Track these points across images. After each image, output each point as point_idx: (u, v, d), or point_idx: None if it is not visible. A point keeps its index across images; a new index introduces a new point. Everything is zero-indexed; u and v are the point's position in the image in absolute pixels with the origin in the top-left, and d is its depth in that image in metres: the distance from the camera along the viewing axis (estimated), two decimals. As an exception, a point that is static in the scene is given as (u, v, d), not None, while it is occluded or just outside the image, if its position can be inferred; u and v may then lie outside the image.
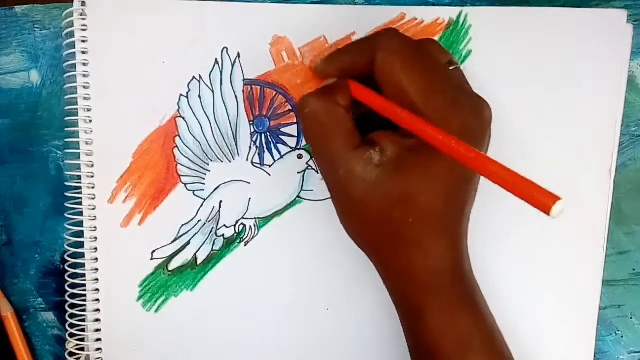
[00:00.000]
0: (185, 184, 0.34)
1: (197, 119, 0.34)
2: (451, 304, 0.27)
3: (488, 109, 0.28)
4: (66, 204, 0.34)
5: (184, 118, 0.34)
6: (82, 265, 0.34)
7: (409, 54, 0.27)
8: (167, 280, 0.34)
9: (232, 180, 0.34)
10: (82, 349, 0.35)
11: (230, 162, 0.34)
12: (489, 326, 0.28)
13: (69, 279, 0.34)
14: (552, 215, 0.20)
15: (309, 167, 0.34)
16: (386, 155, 0.26)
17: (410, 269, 0.27)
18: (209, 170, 0.34)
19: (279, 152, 0.34)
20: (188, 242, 0.34)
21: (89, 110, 0.33)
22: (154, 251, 0.34)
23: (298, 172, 0.34)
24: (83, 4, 0.33)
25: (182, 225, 0.34)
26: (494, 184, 0.22)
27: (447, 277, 0.27)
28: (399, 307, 0.29)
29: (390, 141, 0.27)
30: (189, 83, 0.33)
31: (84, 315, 0.34)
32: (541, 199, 0.20)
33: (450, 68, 0.29)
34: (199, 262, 0.34)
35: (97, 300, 0.34)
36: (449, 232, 0.27)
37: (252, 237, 0.34)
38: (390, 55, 0.26)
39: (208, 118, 0.34)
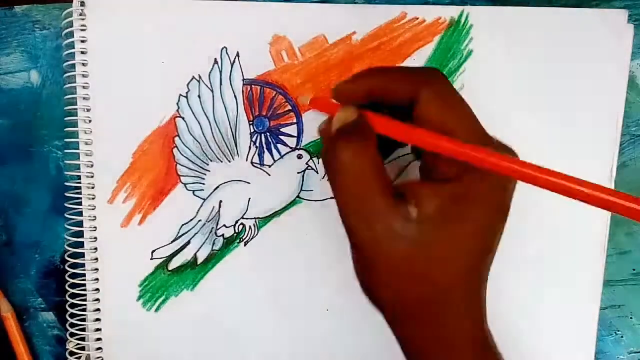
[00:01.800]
0: (185, 184, 0.34)
1: (196, 119, 0.34)
2: None
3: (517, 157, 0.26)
4: (66, 204, 0.34)
5: (183, 118, 0.34)
6: (82, 265, 0.34)
7: (457, 97, 0.25)
8: (167, 280, 0.34)
9: (231, 180, 0.34)
10: (82, 349, 0.35)
11: (229, 162, 0.34)
12: None
13: (69, 279, 0.34)
14: None
15: (309, 167, 0.34)
16: (426, 209, 0.24)
17: (444, 340, 0.25)
18: (209, 170, 0.34)
19: (279, 152, 0.34)
20: (188, 242, 0.34)
21: (88, 110, 0.33)
22: (153, 251, 0.34)
23: (298, 172, 0.34)
24: (82, 4, 0.33)
25: (182, 225, 0.34)
26: (586, 203, 0.20)
27: (479, 341, 0.25)
28: None
29: (429, 191, 0.24)
30: (189, 83, 0.33)
31: (84, 315, 0.34)
32: (633, 207, 0.19)
33: None
34: (198, 262, 0.34)
35: (97, 300, 0.34)
36: (482, 290, 0.26)
37: (252, 237, 0.34)
38: (440, 94, 0.25)
39: (207, 118, 0.34)
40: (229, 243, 0.34)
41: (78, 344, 0.34)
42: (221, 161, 0.34)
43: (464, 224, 0.24)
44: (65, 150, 0.34)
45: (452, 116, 0.24)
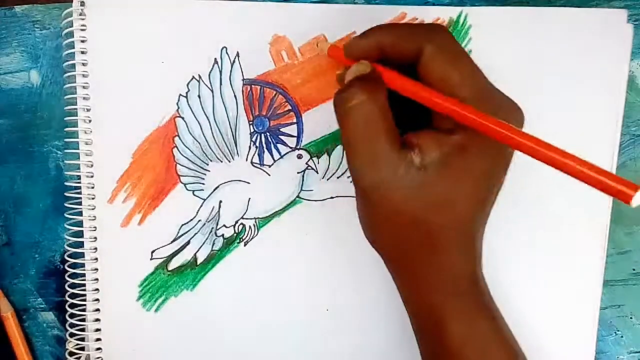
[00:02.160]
0: (185, 184, 0.34)
1: (196, 119, 0.34)
2: (471, 310, 0.27)
3: (523, 115, 0.27)
4: (66, 204, 0.34)
5: (183, 118, 0.34)
6: (82, 265, 0.34)
7: (460, 52, 0.26)
8: (167, 280, 0.34)
9: (231, 180, 0.34)
10: (82, 349, 0.35)
11: (229, 162, 0.34)
12: (506, 331, 0.28)
13: (69, 279, 0.34)
14: (634, 204, 0.19)
15: (309, 167, 0.34)
16: (429, 157, 0.25)
17: (435, 275, 0.26)
18: (209, 170, 0.34)
19: (279, 152, 0.34)
20: (188, 242, 0.34)
21: (88, 110, 0.33)
22: (153, 251, 0.34)
23: (298, 172, 0.34)
24: (82, 4, 0.33)
25: (182, 225, 0.34)
26: (564, 173, 0.21)
27: (467, 282, 0.27)
28: (416, 316, 0.29)
29: (432, 141, 0.25)
30: (189, 83, 0.33)
31: (84, 315, 0.34)
32: (621, 188, 0.19)
33: None
34: (198, 262, 0.34)
35: (97, 300, 0.34)
36: (475, 238, 0.27)
37: (252, 237, 0.34)
38: (443, 48, 0.25)
39: (207, 118, 0.34)
40: (229, 243, 0.34)
41: (78, 344, 0.34)
42: (221, 161, 0.34)
43: (464, 174, 0.25)
44: (65, 150, 0.34)
45: (455, 70, 0.25)
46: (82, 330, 0.34)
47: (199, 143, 0.34)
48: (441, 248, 0.26)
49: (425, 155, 0.25)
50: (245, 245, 0.34)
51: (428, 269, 0.27)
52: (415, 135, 0.26)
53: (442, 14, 0.33)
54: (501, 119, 0.23)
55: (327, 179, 0.34)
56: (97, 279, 0.34)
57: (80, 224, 0.34)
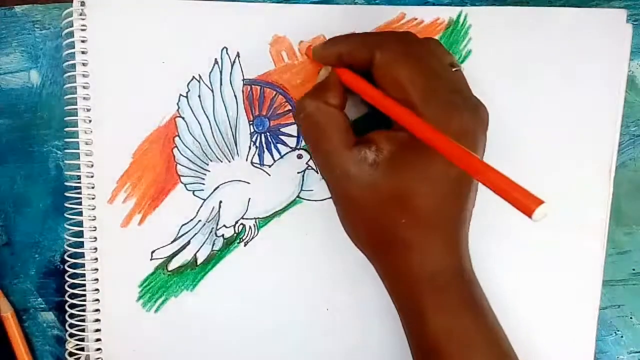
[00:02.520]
0: (185, 184, 0.34)
1: (196, 119, 0.34)
2: (452, 305, 0.27)
3: (486, 113, 0.28)
4: (66, 204, 0.34)
5: (183, 118, 0.34)
6: (82, 265, 0.34)
7: (410, 54, 0.27)
8: (167, 280, 0.34)
9: (231, 181, 0.34)
10: (82, 349, 0.35)
11: (230, 162, 0.34)
12: (493, 327, 0.28)
13: (69, 279, 0.34)
14: (535, 219, 0.19)
15: (309, 167, 0.34)
16: (382, 154, 0.26)
17: (408, 271, 0.27)
18: (209, 171, 0.34)
19: (279, 152, 0.34)
20: (188, 243, 0.34)
21: (88, 110, 0.33)
22: (153, 251, 0.34)
23: (298, 172, 0.34)
24: (82, 4, 0.33)
25: (182, 225, 0.34)
26: (481, 184, 0.22)
27: (445, 278, 0.27)
28: (400, 310, 0.29)
29: (385, 138, 0.27)
30: (189, 83, 0.33)
31: (84, 315, 0.34)
32: (524, 202, 0.20)
33: (453, 70, 0.29)
34: (198, 262, 0.34)
35: (97, 300, 0.34)
36: (445, 233, 0.27)
37: (252, 237, 0.34)
38: (390, 54, 0.27)
39: (208, 118, 0.34)
40: (229, 243, 0.34)
41: (78, 344, 0.34)
42: (221, 161, 0.34)
43: (417, 169, 0.26)
44: (65, 150, 0.34)
45: (400, 74, 0.26)
46: (82, 330, 0.34)
47: (199, 143, 0.34)
48: (404, 242, 0.27)
49: (378, 152, 0.26)
50: (245, 245, 0.34)
51: (398, 263, 0.27)
52: (372, 133, 0.27)
53: (442, 14, 0.33)
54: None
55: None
56: (97, 279, 0.34)
57: (80, 224, 0.34)
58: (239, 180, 0.34)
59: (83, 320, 0.34)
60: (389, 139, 0.26)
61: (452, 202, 0.27)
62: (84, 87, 0.33)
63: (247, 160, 0.34)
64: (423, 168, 0.26)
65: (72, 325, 0.34)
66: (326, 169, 0.28)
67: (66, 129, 0.34)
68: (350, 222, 0.29)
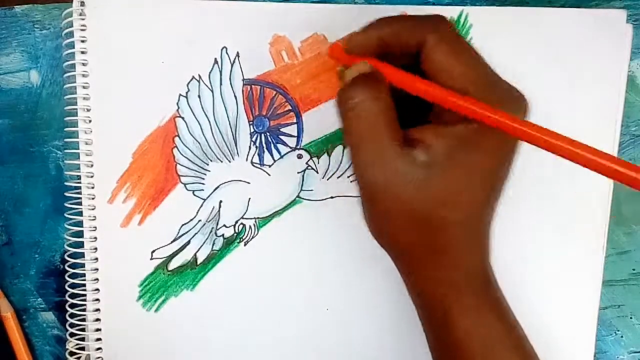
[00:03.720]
0: (185, 184, 0.34)
1: (196, 119, 0.34)
2: (479, 306, 0.26)
3: (528, 104, 0.27)
4: (66, 204, 0.34)
5: (183, 118, 0.34)
6: (82, 265, 0.34)
7: (462, 42, 0.25)
8: (167, 280, 0.34)
9: (231, 180, 0.34)
10: (82, 349, 0.35)
11: (230, 162, 0.34)
12: (516, 328, 0.28)
13: (69, 279, 0.34)
14: None
15: (309, 167, 0.34)
16: (433, 152, 0.25)
17: (443, 272, 0.26)
18: (209, 170, 0.34)
19: (279, 152, 0.34)
20: (188, 242, 0.34)
21: (88, 110, 0.33)
22: (153, 251, 0.34)
23: (298, 172, 0.34)
24: (82, 4, 0.33)
25: (182, 225, 0.34)
26: (575, 163, 0.21)
27: (477, 280, 0.27)
28: (424, 310, 0.28)
29: (435, 134, 0.25)
30: (189, 83, 0.33)
31: (84, 315, 0.34)
32: (636, 176, 0.19)
33: None
34: (198, 262, 0.34)
35: (97, 300, 0.34)
36: (483, 234, 0.27)
37: (252, 237, 0.34)
38: (445, 40, 0.25)
39: (207, 118, 0.34)
40: (229, 243, 0.34)
41: (78, 344, 0.34)
42: (221, 161, 0.34)
43: (467, 168, 0.25)
44: (65, 150, 0.34)
45: (457, 60, 0.25)
46: (82, 330, 0.34)
47: (199, 143, 0.34)
48: (448, 245, 0.26)
49: (429, 150, 0.25)
50: (245, 245, 0.34)
51: (435, 266, 0.26)
52: (417, 130, 0.25)
53: (442, 14, 0.33)
54: (506, 109, 0.23)
55: (327, 179, 0.34)
56: (97, 279, 0.34)
57: (80, 224, 0.34)
58: (239, 180, 0.34)
59: (83, 320, 0.34)
60: (440, 134, 0.25)
61: (494, 199, 0.27)
62: (83, 87, 0.33)
63: (247, 160, 0.34)
64: (476, 165, 0.25)
65: (72, 325, 0.34)
66: (373, 168, 0.25)
67: (66, 129, 0.34)
68: (388, 224, 0.27)
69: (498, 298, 0.27)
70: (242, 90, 0.34)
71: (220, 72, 0.33)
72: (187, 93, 0.34)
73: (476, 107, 0.23)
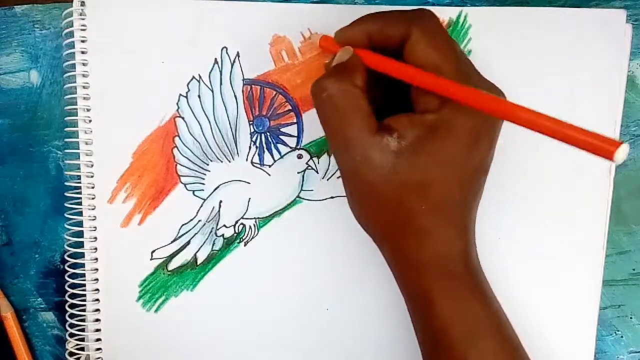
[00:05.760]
0: (185, 184, 0.34)
1: (196, 119, 0.34)
2: (459, 291, 0.27)
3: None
4: (66, 204, 0.34)
5: (183, 118, 0.34)
6: (82, 265, 0.34)
7: (445, 35, 0.27)
8: (167, 280, 0.34)
9: (232, 180, 0.34)
10: (82, 349, 0.35)
11: (230, 162, 0.34)
12: (497, 313, 0.28)
13: (69, 279, 0.34)
14: (617, 161, 0.19)
15: (309, 167, 0.34)
16: (405, 140, 0.25)
17: (420, 256, 0.27)
18: (209, 170, 0.34)
19: (279, 152, 0.34)
20: (188, 242, 0.34)
21: (88, 110, 0.33)
22: (153, 251, 0.34)
23: (298, 172, 0.34)
24: (83, 4, 0.33)
25: (182, 225, 0.34)
26: (550, 137, 0.22)
27: (455, 264, 0.27)
28: (407, 297, 0.29)
29: (409, 123, 0.26)
30: (189, 83, 0.34)
31: (84, 315, 0.34)
32: (603, 146, 0.20)
33: None
34: (198, 262, 0.34)
35: (97, 300, 0.34)
36: (459, 220, 0.27)
37: (252, 237, 0.34)
38: (427, 33, 0.26)
39: (207, 118, 0.34)
40: (229, 243, 0.34)
41: (78, 344, 0.34)
42: (221, 161, 0.34)
43: (439, 155, 0.26)
44: (65, 150, 0.34)
45: (437, 53, 0.26)
46: (82, 330, 0.34)
47: (199, 143, 0.34)
48: (421, 230, 0.26)
49: (401, 138, 0.26)
50: (245, 245, 0.34)
51: (411, 249, 0.27)
52: (393, 119, 0.27)
53: (442, 14, 0.33)
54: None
55: (327, 179, 0.34)
56: (97, 279, 0.34)
57: (80, 224, 0.34)
58: (239, 180, 0.34)
59: (83, 320, 0.34)
60: (412, 122, 0.26)
61: (469, 188, 0.27)
62: (84, 87, 0.33)
63: (247, 160, 0.34)
64: (446, 154, 0.26)
65: (72, 325, 0.34)
66: (344, 155, 0.27)
67: (66, 129, 0.34)
68: (365, 209, 0.28)
69: (480, 283, 0.28)
70: (242, 90, 0.34)
71: (221, 72, 0.34)
72: (187, 93, 0.34)
73: (440, 81, 0.24)
